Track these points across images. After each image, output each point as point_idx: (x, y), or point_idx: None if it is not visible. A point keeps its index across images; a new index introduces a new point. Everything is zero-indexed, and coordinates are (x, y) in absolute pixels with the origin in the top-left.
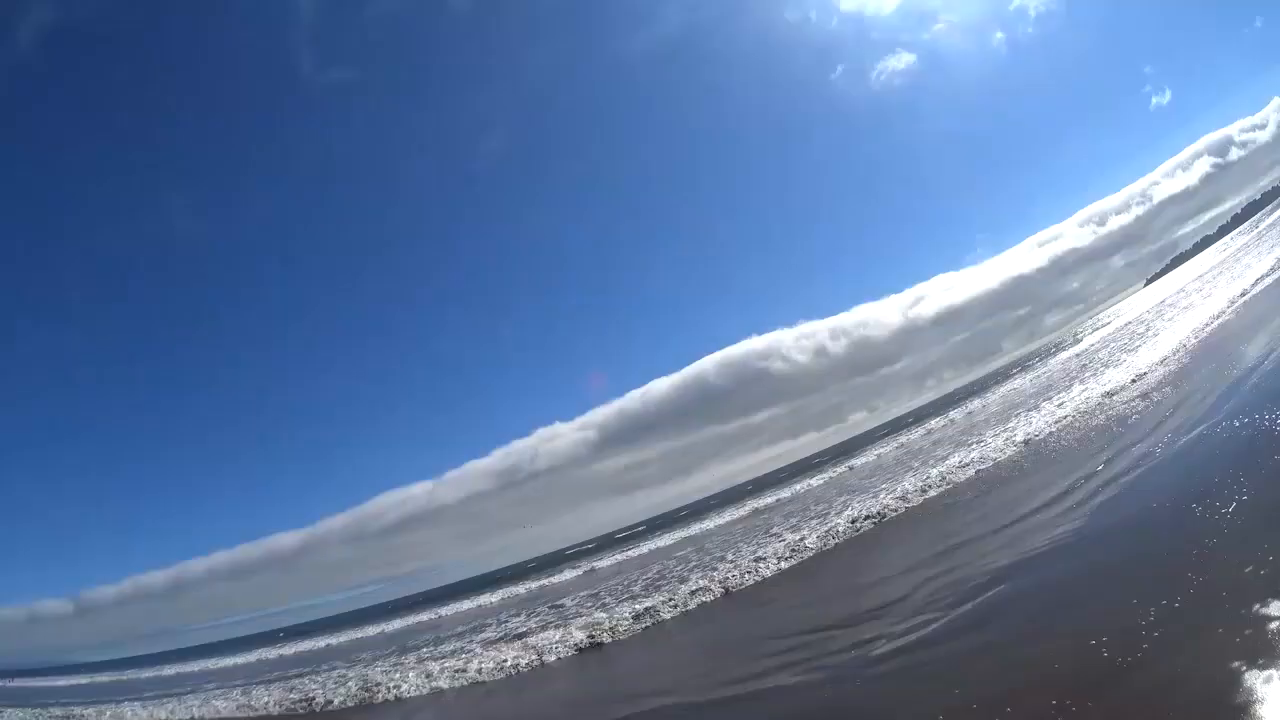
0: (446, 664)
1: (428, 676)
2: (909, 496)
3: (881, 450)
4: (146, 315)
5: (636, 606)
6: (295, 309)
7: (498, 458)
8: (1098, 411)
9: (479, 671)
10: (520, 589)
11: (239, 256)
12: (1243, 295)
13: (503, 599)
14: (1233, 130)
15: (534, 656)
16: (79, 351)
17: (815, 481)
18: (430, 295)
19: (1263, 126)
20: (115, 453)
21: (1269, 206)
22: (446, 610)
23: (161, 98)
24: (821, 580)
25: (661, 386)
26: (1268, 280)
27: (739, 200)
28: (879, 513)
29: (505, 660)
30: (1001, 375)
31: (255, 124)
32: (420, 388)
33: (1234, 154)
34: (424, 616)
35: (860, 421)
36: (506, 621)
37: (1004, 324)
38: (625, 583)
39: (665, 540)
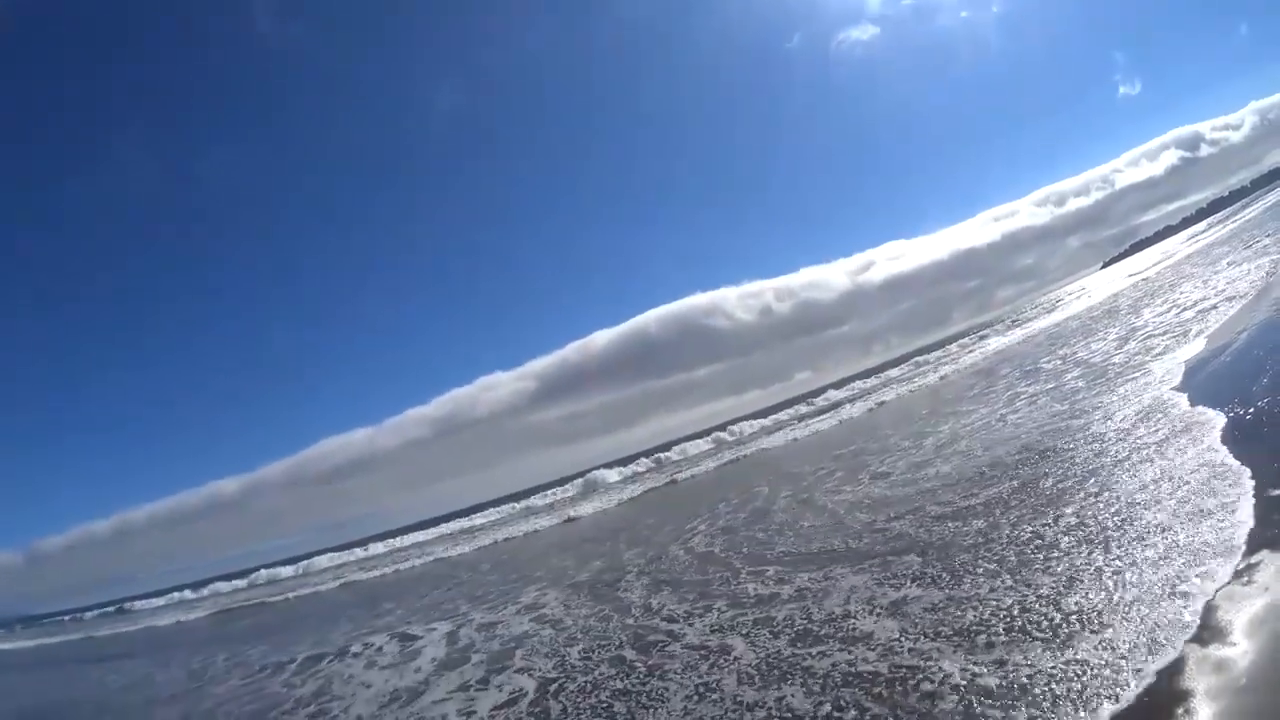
0: None
1: None
2: None
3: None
4: (92, 263)
5: None
6: (239, 255)
7: (437, 405)
8: None
9: None
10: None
11: (189, 203)
12: None
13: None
14: (1204, 127)
15: None
16: (19, 300)
17: None
18: (374, 243)
19: (1237, 127)
20: (56, 398)
21: (1239, 203)
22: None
23: (114, 45)
24: None
25: (603, 339)
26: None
27: (687, 157)
28: None
29: None
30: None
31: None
32: (361, 333)
33: (1204, 150)
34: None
35: (806, 380)
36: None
37: (954, 294)
38: None
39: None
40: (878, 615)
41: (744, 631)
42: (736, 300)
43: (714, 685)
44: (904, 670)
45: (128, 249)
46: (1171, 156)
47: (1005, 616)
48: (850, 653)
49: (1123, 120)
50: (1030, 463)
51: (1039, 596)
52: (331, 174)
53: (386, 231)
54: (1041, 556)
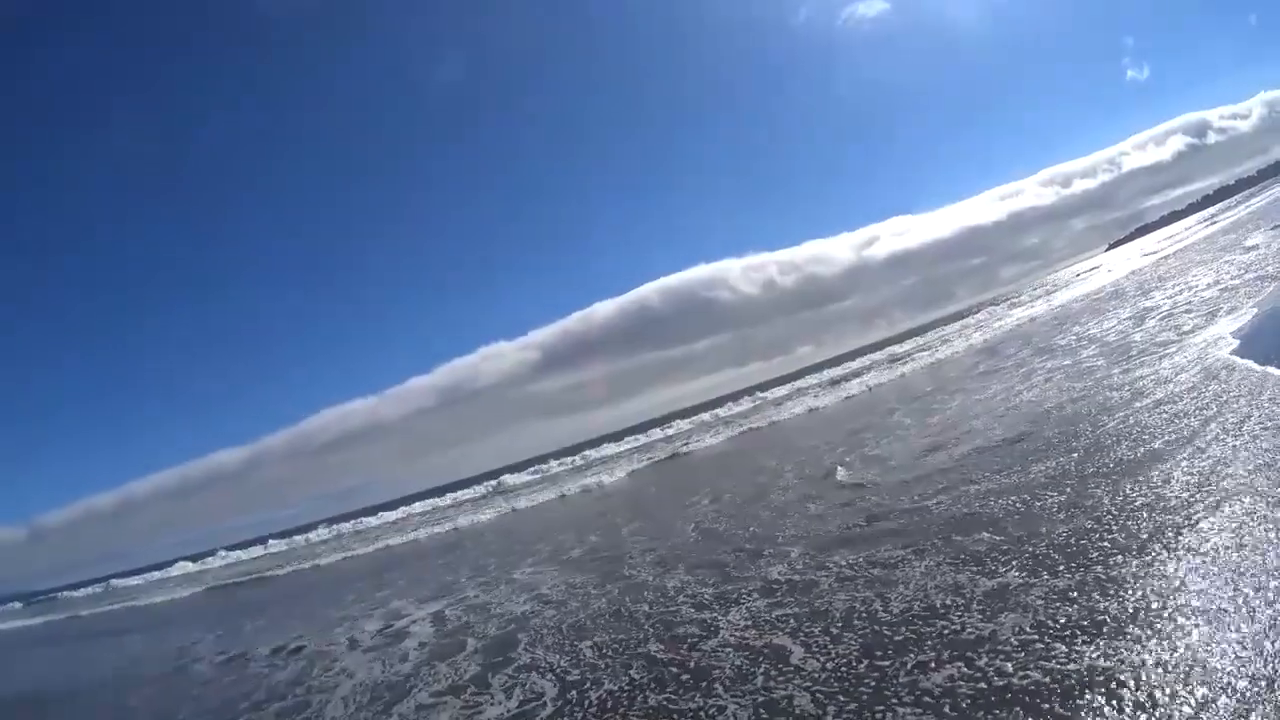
0: None
1: None
2: None
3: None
4: (91, 234)
5: None
6: (239, 226)
7: (440, 375)
8: None
9: None
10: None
11: (187, 172)
12: None
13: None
14: (1212, 115)
15: None
16: (18, 271)
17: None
18: (376, 211)
19: (1245, 117)
20: (57, 370)
21: (1247, 191)
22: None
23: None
24: None
25: (605, 309)
26: None
27: (691, 129)
28: None
29: None
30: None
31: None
32: (363, 301)
33: (1211, 138)
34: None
35: (806, 354)
36: None
37: (958, 272)
38: None
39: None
40: (983, 610)
41: (790, 629)
42: (739, 273)
43: (784, 707)
44: (1077, 680)
45: (126, 220)
46: (1179, 142)
47: (1182, 597)
48: (970, 664)
49: (1130, 104)
50: (1085, 433)
51: (1222, 568)
52: (330, 141)
53: (388, 199)
54: (1183, 521)
